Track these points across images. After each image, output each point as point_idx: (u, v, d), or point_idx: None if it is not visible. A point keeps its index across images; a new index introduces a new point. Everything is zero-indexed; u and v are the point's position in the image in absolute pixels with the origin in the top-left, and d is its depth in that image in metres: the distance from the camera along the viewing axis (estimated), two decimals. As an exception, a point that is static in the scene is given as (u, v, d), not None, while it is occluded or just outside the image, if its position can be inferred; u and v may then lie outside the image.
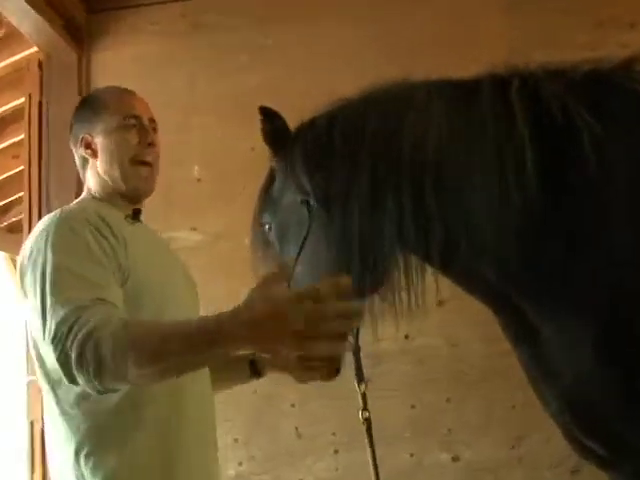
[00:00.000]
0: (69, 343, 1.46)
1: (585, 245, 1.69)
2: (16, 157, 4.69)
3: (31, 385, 3.41)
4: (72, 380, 1.48)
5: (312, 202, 1.91)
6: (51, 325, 1.52)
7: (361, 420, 1.94)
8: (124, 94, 1.93)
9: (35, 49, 3.64)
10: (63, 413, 1.68)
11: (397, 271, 1.86)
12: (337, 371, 1.92)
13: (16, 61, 3.92)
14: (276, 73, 3.36)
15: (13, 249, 5.85)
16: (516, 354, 1.92)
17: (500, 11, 3.22)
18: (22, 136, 3.93)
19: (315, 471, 3.20)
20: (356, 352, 1.94)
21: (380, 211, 1.81)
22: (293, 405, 3.22)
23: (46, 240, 1.65)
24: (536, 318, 1.79)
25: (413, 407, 3.15)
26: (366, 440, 1.96)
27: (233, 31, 3.45)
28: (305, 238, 1.91)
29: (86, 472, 1.64)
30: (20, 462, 3.81)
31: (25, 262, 1.68)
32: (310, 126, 1.98)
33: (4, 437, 6.02)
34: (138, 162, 1.85)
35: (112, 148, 1.84)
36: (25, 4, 3.12)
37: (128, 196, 1.87)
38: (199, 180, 3.45)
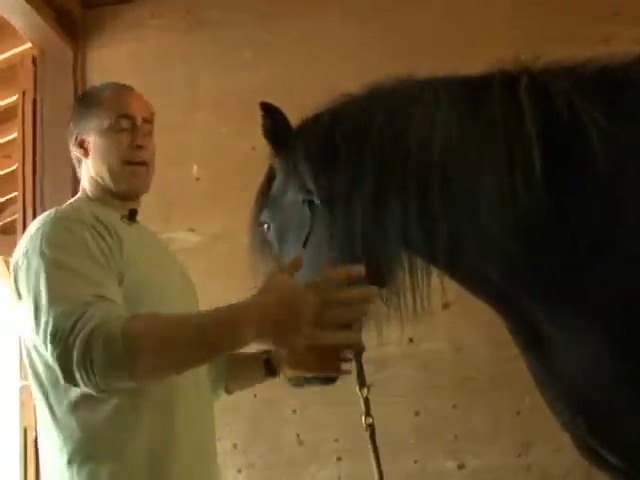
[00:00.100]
0: (72, 339, 1.45)
1: (596, 242, 1.67)
2: (8, 156, 4.69)
3: (24, 391, 3.41)
4: (70, 379, 1.47)
5: (315, 201, 1.89)
6: (49, 322, 1.51)
7: (364, 426, 1.91)
8: (119, 92, 1.90)
9: (29, 45, 3.64)
10: (56, 421, 1.66)
11: (402, 273, 1.84)
12: (336, 376, 1.92)
13: (9, 57, 3.91)
14: (279, 69, 3.37)
15: (7, 251, 5.80)
16: (524, 359, 1.89)
17: (500, 11, 3.23)
18: (15, 134, 3.94)
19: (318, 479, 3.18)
20: (358, 356, 1.91)
21: (385, 211, 1.79)
22: (294, 411, 3.21)
23: (41, 239, 1.63)
24: (545, 320, 1.76)
25: (418, 413, 3.13)
26: (370, 447, 1.93)
27: (236, 27, 3.46)
28: (307, 238, 1.89)
29: None
30: (13, 470, 3.76)
31: (19, 262, 1.66)
32: (313, 123, 1.95)
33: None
34: (128, 163, 1.83)
35: (103, 149, 1.83)
36: (17, -3, 3.10)
37: (120, 196, 1.85)
38: (198, 179, 3.45)
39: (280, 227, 1.99)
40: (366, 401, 1.91)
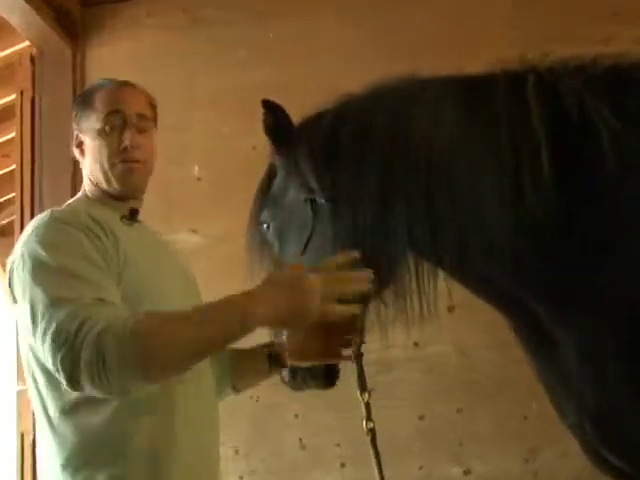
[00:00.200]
0: (79, 341, 1.45)
1: (605, 244, 1.67)
2: (7, 156, 4.71)
3: (21, 395, 3.42)
4: (74, 381, 1.46)
5: (317, 201, 1.88)
6: (50, 325, 1.49)
7: (365, 431, 1.90)
8: (112, 88, 1.87)
9: (27, 43, 3.64)
10: (51, 426, 1.65)
11: (408, 276, 1.84)
12: (335, 378, 1.95)
13: (7, 55, 3.91)
14: (275, 68, 3.38)
15: (5, 252, 5.78)
16: (532, 363, 1.89)
17: (500, 11, 3.23)
18: (13, 134, 3.94)
19: (322, 486, 3.19)
20: (358, 359, 1.90)
21: (390, 211, 1.79)
22: (297, 415, 3.20)
23: (37, 241, 1.62)
24: (552, 321, 1.76)
25: (422, 417, 3.12)
26: (372, 452, 1.92)
27: (231, 26, 3.47)
28: (309, 238, 1.88)
29: None
30: (9, 475, 3.75)
31: (15, 264, 1.64)
32: (315, 122, 1.95)
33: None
34: (120, 162, 1.81)
35: (95, 151, 1.82)
36: (15, -6, 3.10)
37: (117, 196, 1.83)
38: (199, 180, 3.44)
39: (281, 226, 1.98)
40: (367, 406, 1.90)
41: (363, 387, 1.90)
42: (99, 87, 1.88)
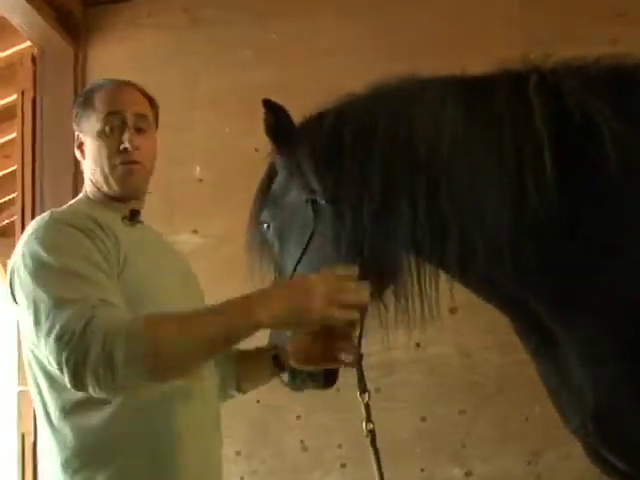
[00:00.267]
0: (87, 340, 1.45)
1: (608, 245, 1.66)
2: (8, 157, 4.71)
3: (22, 396, 3.42)
4: (79, 380, 1.46)
5: (319, 201, 1.87)
6: (54, 325, 1.49)
7: (365, 432, 1.89)
8: (110, 88, 1.87)
9: (28, 43, 3.64)
10: (52, 427, 1.65)
11: (409, 277, 1.83)
12: (334, 379, 1.94)
13: (8, 55, 3.90)
14: (275, 68, 3.38)
15: (6, 253, 5.79)
16: (535, 364, 1.88)
17: (501, 11, 3.23)
18: (14, 134, 3.93)
19: (322, 487, 3.19)
20: (358, 361, 1.89)
21: (393, 212, 1.77)
22: (298, 417, 3.20)
23: (38, 242, 1.62)
24: (551, 322, 1.75)
25: (424, 419, 3.12)
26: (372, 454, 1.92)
27: (232, 26, 3.48)
28: (310, 239, 1.87)
29: None
30: (11, 476, 3.75)
31: (16, 265, 1.64)
32: (317, 122, 1.93)
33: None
34: (120, 164, 1.80)
35: (94, 152, 1.82)
36: (16, -5, 3.10)
37: (117, 197, 1.83)
38: (201, 181, 3.44)
39: (281, 227, 1.97)
40: (367, 407, 1.89)
41: (363, 389, 1.89)
42: (99, 87, 1.88)
